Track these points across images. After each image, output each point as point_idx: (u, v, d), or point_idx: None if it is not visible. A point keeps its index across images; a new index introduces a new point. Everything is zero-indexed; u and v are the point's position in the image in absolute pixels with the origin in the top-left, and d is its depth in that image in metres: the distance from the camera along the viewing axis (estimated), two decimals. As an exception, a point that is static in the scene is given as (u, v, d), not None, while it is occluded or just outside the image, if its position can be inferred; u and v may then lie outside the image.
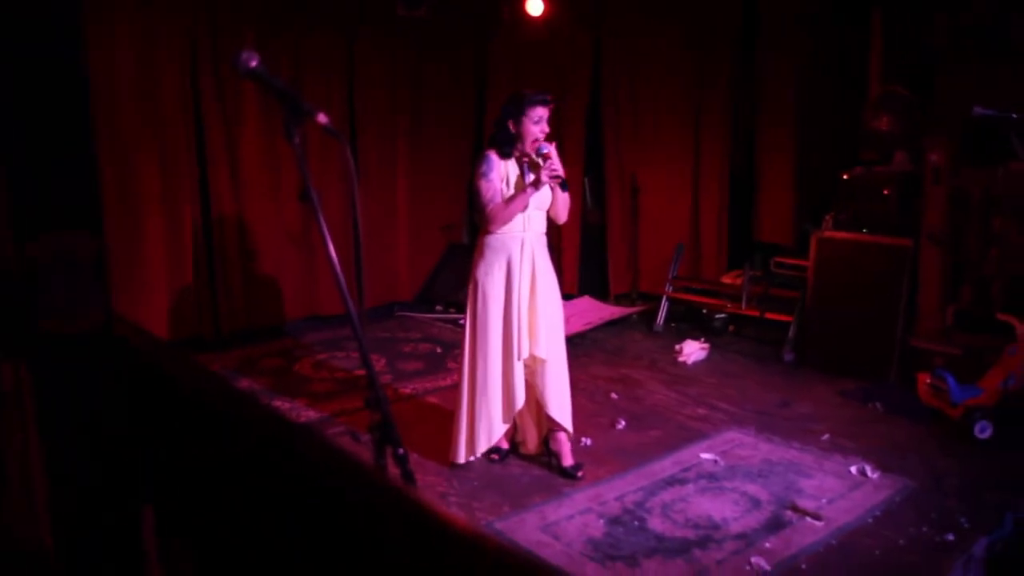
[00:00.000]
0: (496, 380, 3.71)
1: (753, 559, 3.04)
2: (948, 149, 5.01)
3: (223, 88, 5.99)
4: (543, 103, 3.58)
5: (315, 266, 6.61)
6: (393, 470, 1.70)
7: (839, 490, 3.60)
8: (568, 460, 3.82)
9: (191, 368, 0.86)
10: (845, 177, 5.56)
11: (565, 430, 3.80)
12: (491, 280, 3.69)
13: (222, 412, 0.77)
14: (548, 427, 3.86)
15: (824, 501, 3.49)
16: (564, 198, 3.70)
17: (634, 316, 6.77)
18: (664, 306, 6.49)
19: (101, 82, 5.35)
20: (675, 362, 5.59)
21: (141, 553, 0.86)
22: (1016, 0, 5.07)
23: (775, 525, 3.31)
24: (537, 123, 3.57)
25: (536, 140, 3.58)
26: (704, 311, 6.45)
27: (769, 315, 5.85)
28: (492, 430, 3.75)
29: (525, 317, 3.67)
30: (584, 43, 7.23)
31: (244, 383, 5.25)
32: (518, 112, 3.59)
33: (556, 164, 3.51)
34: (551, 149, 3.56)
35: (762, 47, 6.42)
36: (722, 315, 6.32)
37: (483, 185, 3.61)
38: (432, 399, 4.93)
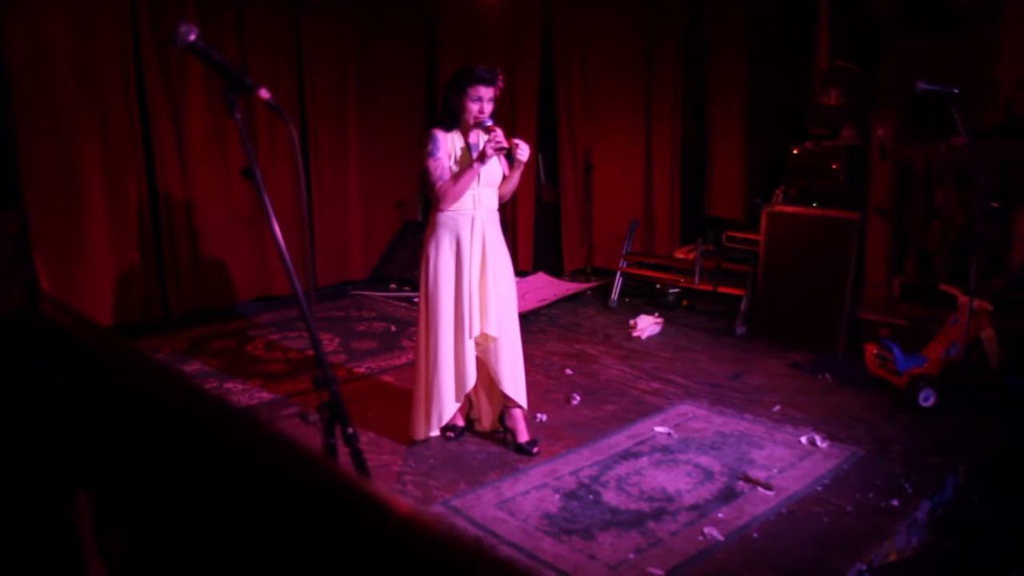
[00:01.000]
0: (448, 358, 3.70)
1: (706, 529, 3.08)
2: (894, 124, 5.09)
3: (167, 63, 5.85)
4: (483, 81, 3.51)
5: (266, 245, 6.52)
6: (343, 449, 1.68)
7: (789, 460, 3.67)
8: (524, 436, 3.83)
9: (121, 349, 0.83)
10: (795, 152, 5.63)
11: (520, 406, 3.81)
12: (442, 258, 3.66)
13: (151, 394, 0.75)
14: (503, 404, 3.86)
15: (775, 471, 3.56)
16: (515, 178, 3.69)
17: (588, 292, 6.80)
18: (618, 281, 6.53)
19: (29, 54, 5.18)
20: (629, 337, 5.63)
21: (78, 541, 0.83)
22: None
23: (727, 496, 3.36)
24: (476, 101, 3.51)
25: (475, 117, 3.54)
26: (658, 286, 6.51)
27: (721, 289, 5.92)
28: (444, 408, 3.74)
29: (476, 295, 3.65)
30: (535, 17, 7.19)
31: (195, 365, 5.17)
32: (459, 89, 3.55)
33: (499, 136, 3.45)
34: (491, 123, 3.51)
35: (711, 22, 6.45)
36: (675, 290, 6.38)
37: (431, 164, 3.58)
38: (387, 378, 4.90)
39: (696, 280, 6.06)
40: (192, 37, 1.73)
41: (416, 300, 6.62)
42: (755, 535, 3.06)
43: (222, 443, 0.66)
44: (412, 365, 4.77)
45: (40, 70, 5.27)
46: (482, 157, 3.49)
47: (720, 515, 3.21)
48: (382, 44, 7.17)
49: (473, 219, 3.65)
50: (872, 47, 5.54)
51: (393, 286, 7.19)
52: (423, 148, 3.62)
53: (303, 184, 6.35)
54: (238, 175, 6.34)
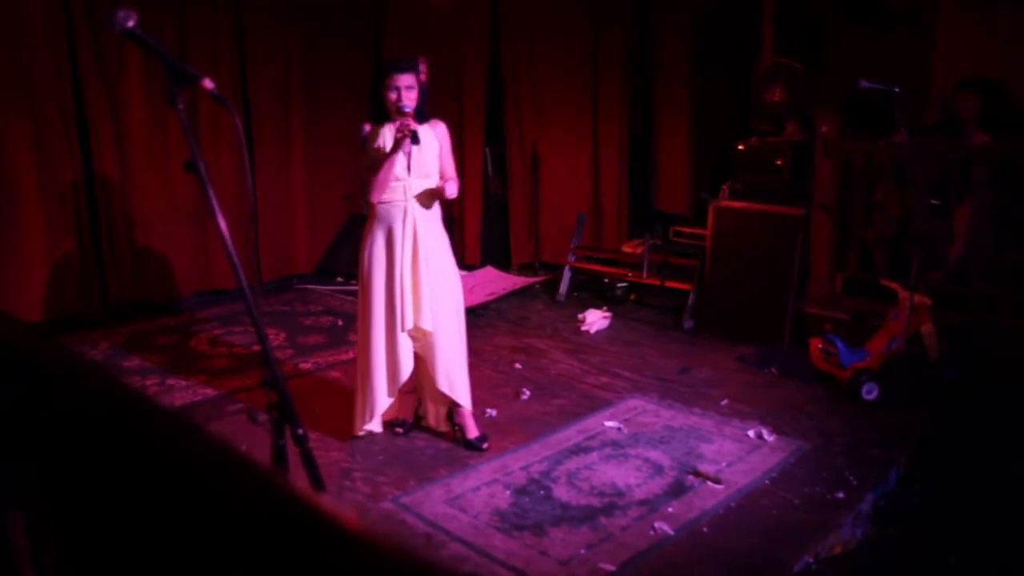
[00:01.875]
0: (380, 351, 3.67)
1: (657, 524, 3.10)
2: (837, 121, 5.18)
3: (103, 50, 5.64)
4: (398, 69, 3.51)
5: (209, 238, 6.35)
6: (292, 449, 1.63)
7: (738, 453, 3.70)
8: (472, 432, 3.80)
9: (46, 348, 0.78)
10: (740, 147, 5.69)
11: (459, 404, 3.78)
12: (375, 250, 3.65)
13: (76, 395, 0.70)
14: (449, 400, 3.83)
15: (724, 465, 3.59)
16: (447, 191, 3.59)
17: (537, 286, 6.79)
18: (566, 275, 6.53)
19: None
20: (578, 331, 5.63)
21: (11, 553, 0.78)
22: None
23: (677, 490, 3.38)
24: (394, 91, 3.48)
25: (394, 106, 3.50)
26: (606, 280, 6.52)
27: (669, 283, 5.96)
28: (377, 402, 3.71)
29: (408, 287, 3.62)
30: (484, 12, 7.14)
31: (135, 360, 5.02)
32: (380, 81, 3.56)
33: (408, 121, 3.43)
34: (409, 108, 3.49)
35: (657, 16, 6.48)
36: (623, 284, 6.40)
37: (359, 159, 3.67)
38: (334, 373, 4.83)
39: (644, 274, 6.09)
40: (131, 23, 1.66)
41: (363, 294, 6.54)
42: (705, 529, 3.09)
43: (156, 448, 0.62)
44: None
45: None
46: (396, 147, 3.49)
47: (670, 509, 3.23)
48: (328, 36, 7.04)
49: (405, 210, 3.61)
50: (815, 45, 5.63)
51: (339, 280, 7.09)
52: (359, 144, 3.68)
53: (250, 175, 6.20)
54: (180, 166, 6.25)
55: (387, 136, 3.59)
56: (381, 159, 3.54)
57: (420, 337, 3.70)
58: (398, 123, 3.44)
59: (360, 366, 3.78)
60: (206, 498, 0.58)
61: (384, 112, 3.59)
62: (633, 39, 6.57)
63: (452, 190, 3.58)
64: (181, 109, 1.69)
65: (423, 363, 3.76)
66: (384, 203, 3.61)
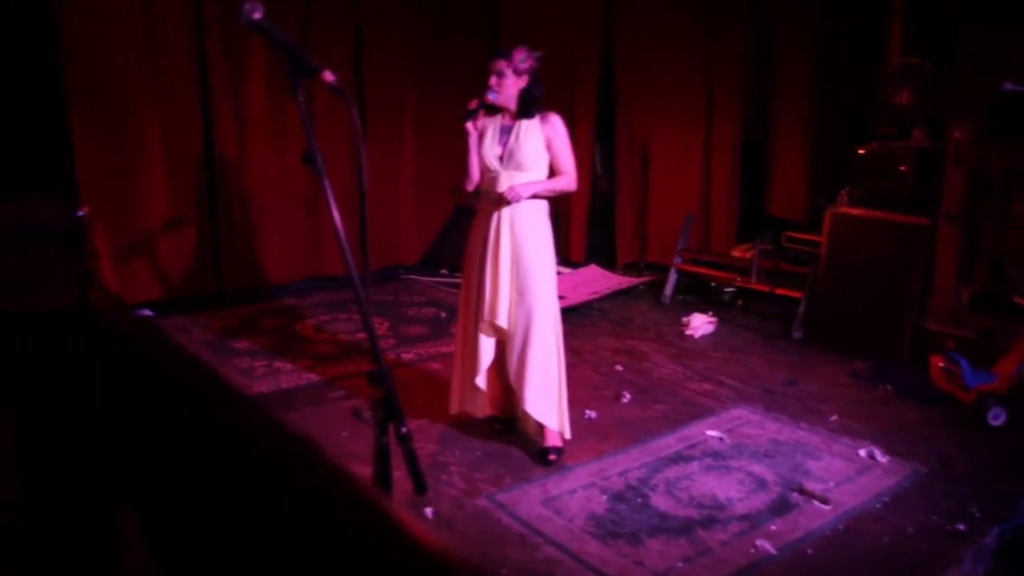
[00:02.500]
0: (462, 341, 3.75)
1: (758, 541, 2.98)
2: (971, 125, 4.87)
3: (230, 41, 5.86)
4: (492, 55, 3.53)
5: (320, 226, 6.52)
6: (395, 447, 1.62)
7: (847, 473, 3.53)
8: (549, 440, 3.63)
9: (169, 350, 0.78)
10: (861, 152, 5.43)
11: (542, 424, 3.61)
12: (471, 241, 3.68)
13: (202, 403, 0.69)
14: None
15: (832, 484, 3.43)
16: (564, 167, 3.57)
17: (641, 286, 6.68)
18: (672, 277, 6.39)
19: (90, 31, 5.24)
20: (682, 335, 5.51)
21: (121, 551, 0.78)
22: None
23: (781, 507, 3.25)
24: (491, 75, 3.51)
25: (488, 90, 3.52)
26: (712, 284, 6.36)
27: (779, 290, 5.76)
28: (462, 391, 3.79)
29: (488, 283, 3.56)
30: (596, 9, 7.05)
31: (244, 342, 5.18)
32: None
33: (471, 104, 3.52)
34: (494, 92, 3.51)
35: (777, 13, 6.25)
36: (731, 289, 6.23)
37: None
38: (434, 365, 4.86)
39: (753, 280, 5.90)
40: (257, 15, 1.68)
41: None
42: (809, 551, 2.95)
43: (266, 464, 0.60)
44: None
45: (105, 49, 5.32)
46: (466, 120, 3.54)
47: (773, 527, 3.10)
48: (444, 27, 7.11)
49: (498, 202, 3.55)
50: (950, 43, 5.30)
51: (444, 271, 7.15)
52: None
53: (364, 169, 6.31)
54: (296, 155, 6.41)
55: (490, 127, 3.61)
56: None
57: (500, 334, 3.63)
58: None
59: (454, 357, 3.89)
60: (313, 523, 0.55)
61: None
62: (750, 37, 6.37)
63: (518, 191, 3.45)
64: (301, 100, 1.70)
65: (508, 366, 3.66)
66: (482, 195, 3.64)
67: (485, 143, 3.57)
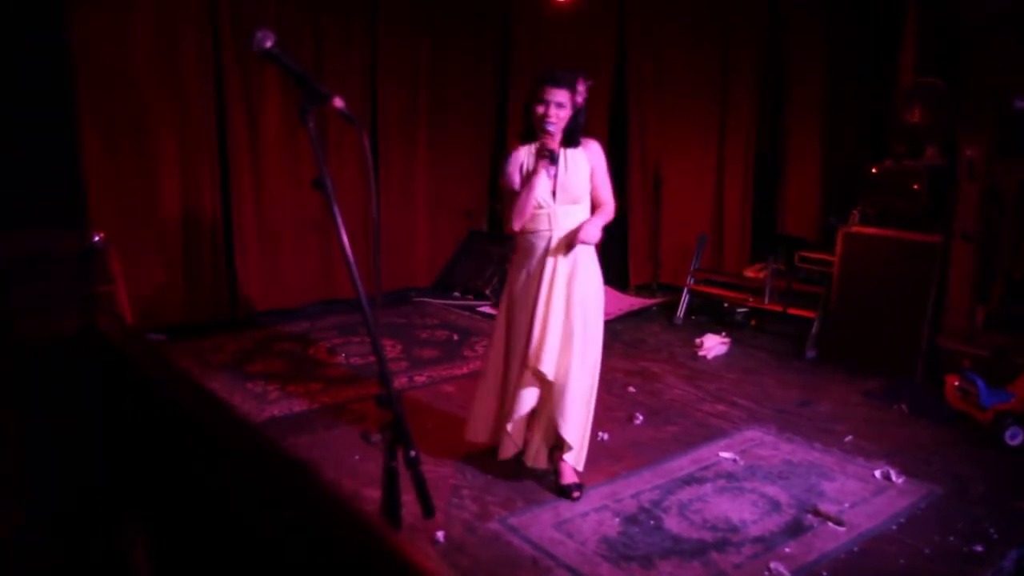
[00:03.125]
0: (492, 381, 3.58)
1: (772, 564, 2.95)
2: (984, 143, 4.86)
3: (247, 69, 5.95)
4: (549, 82, 3.21)
5: (333, 250, 6.57)
6: (404, 471, 1.63)
7: (862, 494, 3.50)
8: (567, 478, 3.50)
9: (175, 377, 0.79)
10: (874, 171, 5.42)
11: (566, 456, 3.47)
12: (515, 284, 3.43)
13: (202, 425, 0.70)
14: (553, 442, 3.55)
15: (846, 505, 3.40)
16: (604, 198, 3.39)
17: (654, 307, 6.67)
18: (685, 298, 6.39)
19: (109, 57, 5.35)
20: (695, 356, 5.49)
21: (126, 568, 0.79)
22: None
23: (795, 529, 3.22)
24: (541, 104, 3.21)
25: (539, 121, 3.23)
26: (725, 304, 6.35)
27: (792, 310, 5.74)
28: (476, 427, 3.67)
29: (539, 328, 3.32)
30: (609, 26, 7.12)
31: (258, 366, 5.20)
32: (530, 93, 3.29)
33: (548, 140, 3.19)
34: (554, 126, 3.23)
35: (790, 33, 6.27)
36: (744, 309, 6.21)
37: (502, 182, 3.38)
38: (447, 388, 4.86)
39: (766, 300, 5.89)
40: (268, 44, 1.71)
41: (479, 309, 6.58)
42: (824, 574, 2.92)
43: (265, 488, 0.61)
44: (475, 376, 4.73)
45: (120, 73, 5.42)
46: (533, 170, 3.23)
47: (787, 550, 3.07)
48: (455, 56, 7.19)
49: (549, 242, 3.32)
50: (962, 61, 5.30)
51: (457, 294, 7.17)
52: (502, 169, 3.42)
53: (376, 194, 6.37)
54: (309, 178, 6.50)
55: (526, 157, 3.34)
56: (521, 183, 3.29)
57: (541, 381, 3.40)
58: (539, 143, 3.22)
59: (479, 384, 3.70)
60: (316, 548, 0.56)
61: (525, 129, 3.36)
62: (763, 57, 6.39)
63: (593, 233, 3.26)
64: (311, 127, 1.72)
65: (544, 398, 3.46)
66: (528, 232, 3.34)
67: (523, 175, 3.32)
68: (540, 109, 3.23)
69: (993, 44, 5.02)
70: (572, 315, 3.34)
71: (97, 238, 4.91)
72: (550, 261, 3.32)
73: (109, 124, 5.42)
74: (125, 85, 5.45)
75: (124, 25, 5.39)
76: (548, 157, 3.20)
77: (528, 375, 3.37)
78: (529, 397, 3.41)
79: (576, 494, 3.47)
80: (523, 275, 3.40)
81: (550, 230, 3.32)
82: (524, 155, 3.34)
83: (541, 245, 3.34)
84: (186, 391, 0.77)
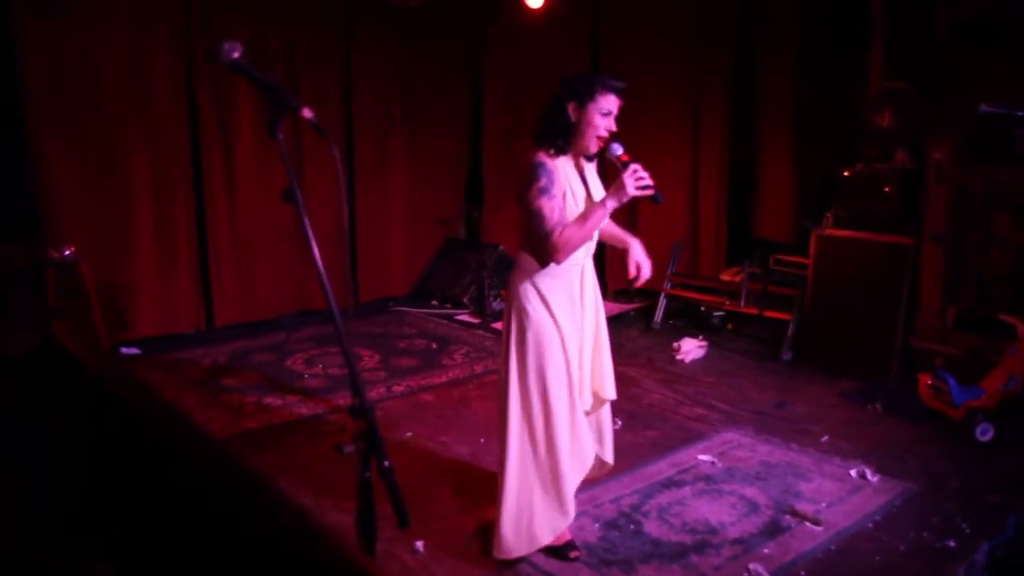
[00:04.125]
0: (565, 441, 2.87)
1: (751, 565, 2.97)
2: (951, 146, 4.93)
3: (219, 79, 5.92)
4: (618, 91, 2.77)
5: (308, 261, 6.50)
6: (378, 481, 1.63)
7: (838, 493, 3.53)
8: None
9: (137, 391, 0.79)
10: (846, 174, 5.48)
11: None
12: (551, 320, 2.84)
13: (165, 441, 0.70)
14: None
15: (823, 505, 3.43)
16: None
17: (631, 313, 6.70)
18: (662, 303, 6.42)
19: (78, 69, 5.34)
20: (672, 360, 5.52)
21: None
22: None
23: (773, 530, 3.25)
24: (605, 115, 2.75)
25: (601, 137, 2.79)
26: (702, 308, 6.39)
27: (768, 313, 5.78)
28: (568, 505, 2.92)
29: (588, 362, 3.04)
30: (582, 33, 7.15)
31: (234, 379, 5.17)
32: (586, 95, 2.75)
33: (641, 171, 2.68)
34: (624, 151, 2.80)
35: (761, 38, 6.34)
36: (720, 312, 6.26)
37: (544, 205, 2.69)
38: (426, 396, 4.85)
39: (742, 303, 5.93)
40: (236, 55, 1.71)
41: (457, 317, 6.57)
42: (802, 573, 2.94)
43: (226, 504, 0.61)
44: (454, 384, 4.72)
45: (90, 87, 5.39)
46: (619, 192, 2.69)
47: (766, 550, 3.09)
48: (428, 63, 7.20)
49: (583, 270, 2.97)
50: (930, 66, 5.38)
51: (435, 303, 7.16)
52: (531, 183, 2.72)
53: (346, 204, 6.37)
54: (283, 189, 6.48)
55: (572, 176, 2.86)
56: (587, 211, 2.76)
57: (593, 411, 3.13)
58: (629, 171, 2.68)
59: (526, 467, 2.90)
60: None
61: (555, 138, 2.81)
62: (735, 64, 6.45)
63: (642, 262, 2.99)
64: (281, 139, 1.72)
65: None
66: (565, 263, 2.83)
67: (570, 194, 2.82)
68: (603, 123, 2.78)
69: (959, 50, 5.11)
70: (607, 338, 3.13)
71: (68, 252, 4.87)
72: (588, 289, 3.02)
73: (78, 137, 5.38)
74: (95, 98, 5.42)
75: (93, 39, 5.36)
76: (652, 199, 2.77)
77: (584, 420, 2.97)
78: (591, 445, 3.03)
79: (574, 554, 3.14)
80: (559, 310, 2.86)
81: (586, 256, 2.97)
82: (562, 173, 2.80)
83: (576, 275, 2.95)
84: (147, 404, 0.77)
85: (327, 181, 6.49)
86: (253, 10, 6.05)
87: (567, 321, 2.88)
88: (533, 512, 2.90)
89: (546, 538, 2.93)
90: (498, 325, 6.32)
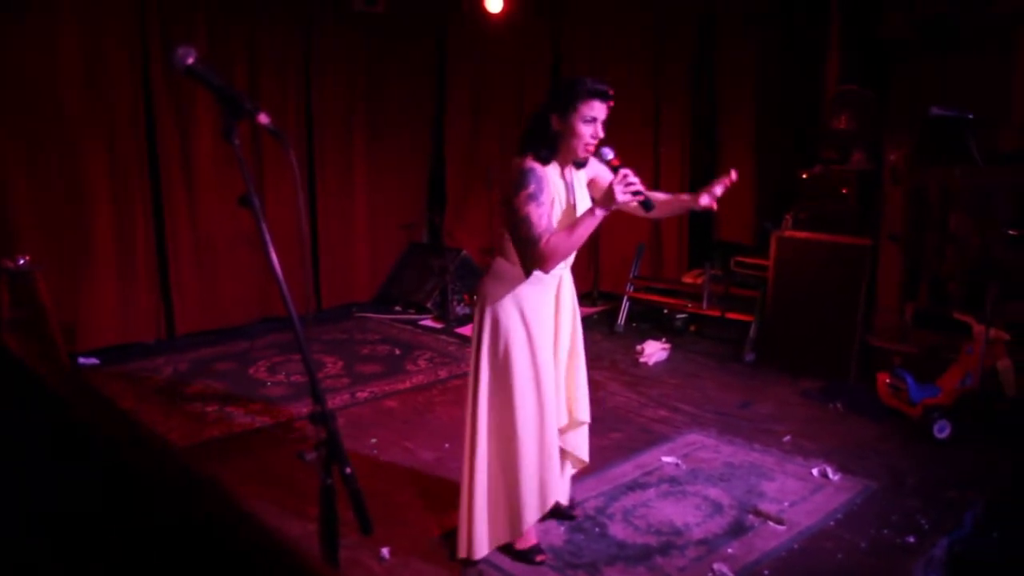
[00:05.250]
0: (533, 456, 2.86)
1: (715, 566, 2.99)
2: (906, 148, 5.03)
3: (177, 84, 5.84)
4: (601, 96, 2.73)
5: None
6: (340, 488, 1.61)
7: (801, 493, 3.57)
8: (564, 500, 3.35)
9: (91, 401, 0.77)
10: (804, 176, 5.56)
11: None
12: (523, 328, 2.82)
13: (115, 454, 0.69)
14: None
15: (786, 504, 3.46)
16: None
17: (595, 316, 6.72)
18: (625, 306, 6.45)
19: (34, 74, 5.23)
20: (636, 363, 5.55)
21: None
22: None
23: (737, 530, 3.27)
24: (590, 123, 2.72)
25: (588, 145, 2.76)
26: (665, 311, 6.43)
27: (730, 315, 5.84)
28: (527, 516, 2.91)
29: (563, 375, 3.03)
30: (543, 37, 7.18)
31: (197, 386, 5.10)
32: (567, 105, 2.71)
33: (632, 176, 2.65)
34: (616, 155, 2.80)
35: (720, 44, 6.40)
36: (683, 315, 6.30)
37: (532, 211, 2.64)
38: (390, 403, 4.82)
39: (704, 305, 5.98)
40: (190, 60, 1.68)
41: (421, 323, 6.54)
42: (766, 572, 2.97)
43: (186, 516, 0.60)
44: (418, 390, 4.70)
45: (44, 93, 5.30)
46: (608, 201, 2.63)
47: (730, 550, 3.12)
48: (390, 66, 7.16)
49: (562, 279, 2.96)
50: (884, 70, 5.48)
51: (398, 308, 7.12)
52: (518, 189, 2.67)
53: (304, 208, 6.31)
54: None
55: (558, 183, 2.81)
56: (579, 220, 2.70)
57: (568, 431, 3.13)
58: (619, 178, 2.64)
59: (496, 470, 2.92)
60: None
61: (541, 145, 2.77)
62: (696, 65, 6.51)
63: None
64: (237, 144, 1.70)
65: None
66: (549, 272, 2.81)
67: (558, 202, 2.79)
68: (588, 131, 2.74)
69: (912, 54, 5.21)
70: (583, 352, 3.13)
71: (22, 261, 4.76)
72: (566, 298, 3.01)
73: (32, 143, 5.27)
74: (50, 105, 5.31)
75: (48, 44, 5.25)
76: (645, 203, 2.75)
77: (555, 437, 2.95)
78: (558, 467, 3.03)
79: (576, 512, 3.39)
80: (535, 320, 2.84)
81: (566, 265, 2.93)
82: (550, 181, 2.76)
83: (553, 284, 2.93)
84: (106, 415, 0.76)
85: (287, 185, 6.44)
86: (212, 11, 5.97)
87: (540, 330, 2.85)
88: (498, 511, 2.93)
89: (507, 537, 2.96)
90: (463, 330, 6.31)
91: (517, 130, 7.15)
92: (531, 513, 2.90)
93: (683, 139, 6.62)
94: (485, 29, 7.19)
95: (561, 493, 3.26)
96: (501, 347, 2.82)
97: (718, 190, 2.93)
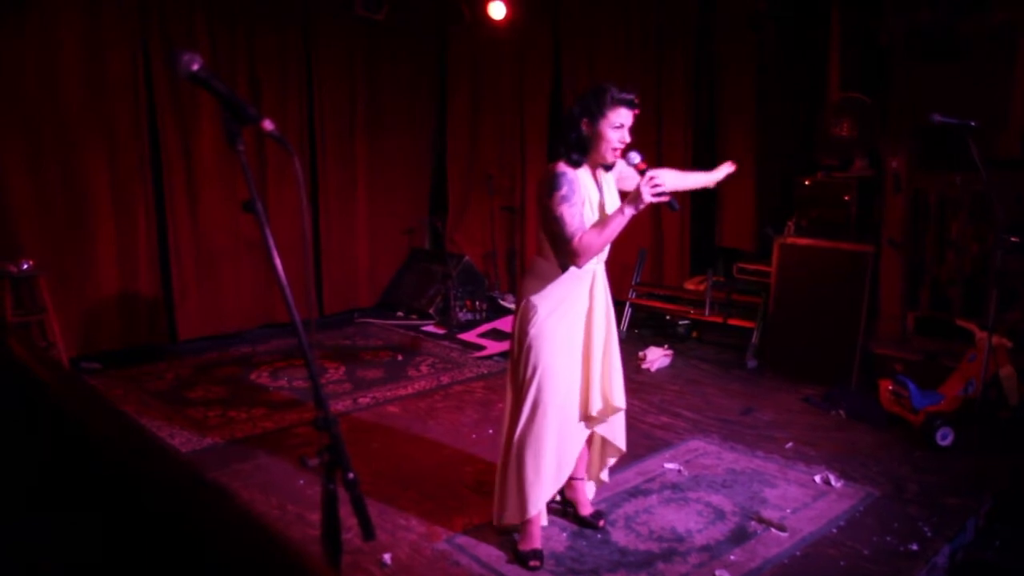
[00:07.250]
0: (552, 439, 3.03)
1: (718, 572, 2.99)
2: (907, 155, 5.03)
3: (178, 89, 5.86)
4: (628, 104, 2.87)
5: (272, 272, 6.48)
6: (343, 494, 1.61)
7: (803, 499, 3.57)
8: (587, 509, 3.42)
9: (92, 405, 0.78)
10: (806, 183, 5.57)
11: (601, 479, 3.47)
12: (562, 323, 3.02)
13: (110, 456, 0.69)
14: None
15: (788, 511, 3.46)
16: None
17: (597, 322, 6.71)
18: (627, 312, 6.46)
19: (37, 80, 5.25)
20: (638, 369, 5.55)
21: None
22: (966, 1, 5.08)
23: (740, 536, 3.27)
24: (617, 129, 2.87)
25: (615, 149, 2.91)
26: (667, 317, 6.43)
27: (732, 321, 5.84)
28: (542, 495, 3.06)
29: (598, 365, 3.15)
30: (544, 48, 7.19)
31: (199, 392, 5.10)
32: (596, 111, 2.87)
33: (657, 179, 2.77)
34: (642, 159, 2.92)
35: (721, 51, 6.41)
36: (685, 321, 6.30)
37: (565, 212, 2.83)
38: (392, 408, 4.82)
39: (706, 312, 5.98)
40: (195, 67, 1.69)
41: (423, 328, 6.54)
42: (768, 579, 2.96)
43: (176, 517, 0.60)
44: (421, 395, 4.70)
45: (47, 100, 5.31)
46: (636, 200, 2.77)
47: (732, 557, 3.11)
48: (392, 72, 7.19)
49: (595, 274, 3.11)
50: (884, 77, 5.49)
51: (400, 314, 7.13)
52: (551, 191, 2.86)
53: (308, 213, 6.32)
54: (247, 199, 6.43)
55: (589, 184, 2.97)
56: (609, 218, 2.86)
57: (603, 418, 3.23)
58: (646, 179, 2.76)
59: (521, 449, 3.05)
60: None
61: (573, 150, 2.93)
62: (696, 72, 6.52)
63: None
64: (241, 151, 1.70)
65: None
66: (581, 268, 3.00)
67: (588, 203, 2.94)
68: (616, 136, 2.89)
69: (911, 60, 5.21)
70: (609, 335, 3.23)
71: (26, 265, 4.78)
72: (600, 292, 3.13)
73: (35, 148, 5.29)
74: (52, 112, 5.33)
75: (50, 51, 5.28)
76: (668, 206, 2.83)
77: (579, 426, 3.16)
78: (577, 451, 3.19)
79: (602, 523, 3.38)
80: (571, 314, 3.06)
81: (599, 261, 3.09)
82: (581, 183, 2.92)
83: (588, 279, 3.08)
84: (108, 419, 0.76)
85: (290, 191, 6.46)
86: (214, 16, 6.00)
87: (575, 328, 3.07)
88: (511, 491, 3.11)
89: (534, 508, 3.06)
90: (465, 336, 6.32)
91: (516, 129, 7.23)
92: (546, 488, 3.05)
93: (684, 146, 6.63)
94: (486, 36, 7.22)
95: (583, 503, 3.40)
96: (528, 340, 3.02)
97: (727, 167, 3.38)
